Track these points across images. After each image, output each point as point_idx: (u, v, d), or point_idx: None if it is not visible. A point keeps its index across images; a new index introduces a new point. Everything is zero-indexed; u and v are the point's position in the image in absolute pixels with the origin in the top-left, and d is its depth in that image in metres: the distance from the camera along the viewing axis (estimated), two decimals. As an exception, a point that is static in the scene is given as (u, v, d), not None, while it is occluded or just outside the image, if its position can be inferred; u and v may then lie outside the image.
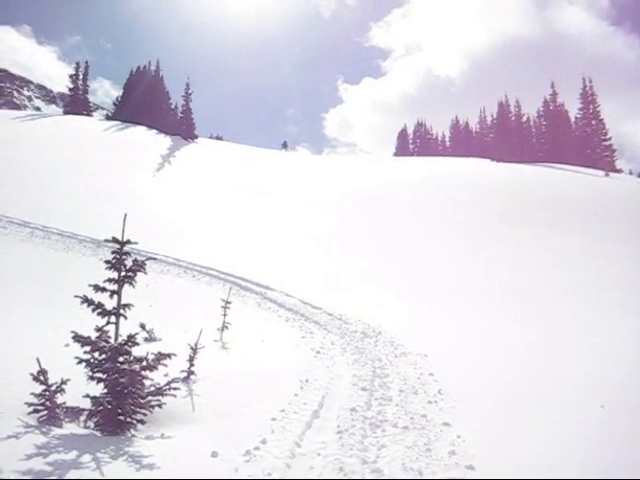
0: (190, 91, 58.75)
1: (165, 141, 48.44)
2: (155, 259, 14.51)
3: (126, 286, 5.67)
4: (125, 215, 5.79)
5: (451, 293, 14.77)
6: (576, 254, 20.59)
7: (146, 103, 58.29)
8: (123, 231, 5.73)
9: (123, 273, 5.65)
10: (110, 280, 5.65)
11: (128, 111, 58.49)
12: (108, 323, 5.53)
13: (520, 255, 20.14)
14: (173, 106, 61.35)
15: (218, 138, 72.12)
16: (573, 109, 62.88)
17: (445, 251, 19.94)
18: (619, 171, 56.71)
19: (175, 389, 5.79)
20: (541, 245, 21.72)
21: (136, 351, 5.59)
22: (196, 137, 55.62)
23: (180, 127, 54.85)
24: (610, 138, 60.12)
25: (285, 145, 53.16)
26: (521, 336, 11.36)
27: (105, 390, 5.25)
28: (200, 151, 47.34)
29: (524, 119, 62.89)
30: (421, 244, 20.79)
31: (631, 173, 62.85)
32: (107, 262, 5.68)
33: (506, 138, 56.86)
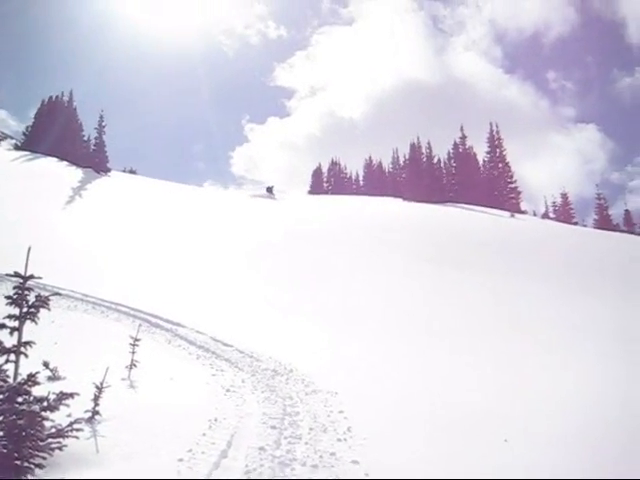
0: (104, 124, 57.65)
1: (77, 173, 47.06)
2: (61, 294, 14.05)
3: (28, 323, 5.49)
4: (29, 248, 5.61)
5: (363, 328, 14.99)
6: (485, 291, 21.49)
7: (58, 134, 56.60)
8: (26, 265, 5.56)
9: (25, 309, 5.47)
10: (10, 317, 5.45)
11: (39, 142, 56.53)
12: (7, 362, 5.31)
13: (433, 291, 20.79)
14: (86, 138, 59.91)
15: (131, 172, 70.78)
16: (480, 152, 66.02)
17: (361, 288, 20.29)
18: (524, 212, 59.86)
19: (78, 430, 5.59)
20: (452, 282, 22.52)
21: (37, 391, 5.38)
22: (109, 170, 54.38)
23: (93, 160, 53.50)
24: (515, 180, 63.69)
25: (270, 190, 51.98)
26: (435, 371, 11.69)
27: (1, 433, 5.01)
28: (113, 184, 46.32)
29: (435, 160, 65.48)
30: (338, 281, 21.07)
31: (535, 214, 66.24)
32: (8, 297, 5.48)
33: (418, 178, 58.98)
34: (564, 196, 66.35)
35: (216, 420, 7.55)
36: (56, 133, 56.46)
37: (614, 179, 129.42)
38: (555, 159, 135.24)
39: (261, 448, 6.64)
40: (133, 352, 9.56)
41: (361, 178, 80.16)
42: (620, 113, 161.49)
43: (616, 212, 64.43)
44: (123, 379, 9.06)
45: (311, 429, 7.69)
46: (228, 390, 9.26)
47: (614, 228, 57.52)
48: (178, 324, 13.52)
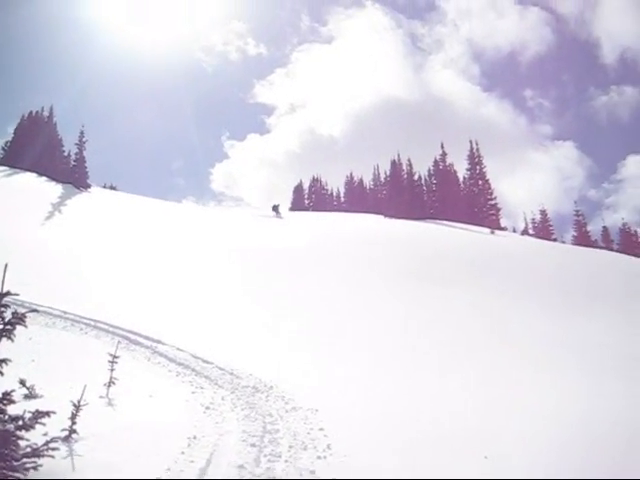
0: (84, 139, 57.35)
1: (56, 189, 46.70)
2: (39, 311, 13.89)
3: (5, 340, 5.42)
4: (6, 265, 5.56)
5: (346, 346, 14.99)
6: (469, 307, 21.64)
7: (38, 150, 56.22)
8: (3, 281, 5.50)
9: (1, 326, 5.41)
10: (-14, 334, 5.39)
11: (18, 157, 56.12)
12: (-17, 380, 5.25)
13: (416, 307, 20.89)
14: (66, 154, 59.56)
15: (112, 188, 70.46)
16: (460, 169, 66.76)
17: (344, 305, 20.31)
18: (503, 229, 60.45)
19: (54, 449, 5.51)
20: (435, 298, 22.66)
21: (13, 409, 5.31)
22: (89, 186, 54.03)
23: (73, 175, 53.13)
24: (495, 197, 64.45)
25: (276, 208, 51.34)
26: (418, 387, 11.71)
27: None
28: (93, 200, 46.08)
29: (416, 177, 66.03)
30: (320, 297, 21.08)
31: (514, 231, 66.91)
32: (-17, 315, 5.42)
33: (399, 195, 59.32)
34: (543, 213, 67.26)
35: (195, 438, 7.50)
36: (36, 148, 56.06)
37: (591, 196, 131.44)
38: (533, 176, 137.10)
39: (240, 466, 6.60)
40: (112, 369, 9.48)
41: (342, 195, 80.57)
42: (597, 131, 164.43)
43: (593, 228, 65.75)
44: (101, 397, 8.97)
45: (291, 447, 7.66)
46: (208, 407, 9.20)
47: (593, 244, 58.29)
48: (158, 341, 13.41)
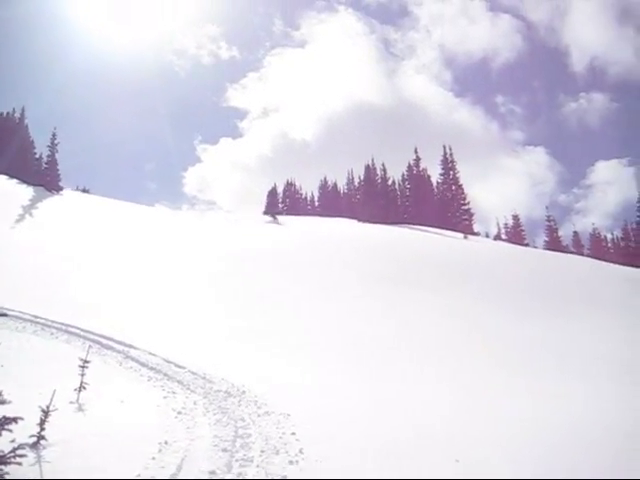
0: (56, 141, 56.53)
1: (27, 192, 45.96)
2: (8, 315, 13.71)
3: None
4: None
5: (320, 350, 15.02)
6: (440, 312, 21.79)
7: (8, 152, 55.26)
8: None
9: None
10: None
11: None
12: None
13: (390, 311, 20.98)
14: (38, 156, 58.67)
15: (84, 191, 69.55)
16: (434, 174, 67.28)
17: (318, 309, 20.34)
18: (476, 234, 60.96)
19: (21, 456, 5.45)
20: (408, 302, 22.78)
21: (-21, 416, 5.25)
22: (61, 189, 53.25)
23: (44, 178, 52.31)
24: (469, 203, 64.95)
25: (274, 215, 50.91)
26: (391, 392, 11.78)
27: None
28: (65, 203, 45.50)
29: (390, 182, 66.37)
30: (293, 302, 21.08)
31: (487, 236, 67.56)
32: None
33: (372, 200, 59.52)
34: (515, 218, 68.18)
35: (166, 443, 7.46)
36: (7, 151, 55.11)
37: (561, 201, 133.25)
38: (505, 181, 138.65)
39: (212, 472, 6.59)
40: (82, 374, 9.38)
41: (316, 199, 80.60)
42: (567, 137, 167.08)
43: (563, 233, 66.67)
44: (72, 402, 8.88)
45: (263, 451, 7.66)
46: (180, 412, 9.15)
47: (564, 249, 59.17)
48: (130, 346, 13.30)
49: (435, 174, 67.75)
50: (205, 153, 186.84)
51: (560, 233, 65.56)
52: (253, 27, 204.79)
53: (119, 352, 12.90)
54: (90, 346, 11.78)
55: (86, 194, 62.54)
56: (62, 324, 14.49)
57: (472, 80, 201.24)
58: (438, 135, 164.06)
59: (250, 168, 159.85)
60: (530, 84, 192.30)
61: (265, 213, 60.99)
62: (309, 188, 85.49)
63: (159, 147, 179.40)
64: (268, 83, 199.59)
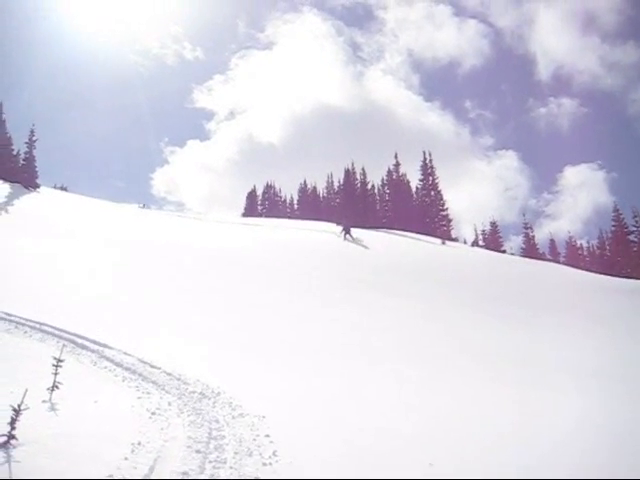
0: (34, 138, 55.95)
1: (4, 188, 45.40)
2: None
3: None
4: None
5: (296, 353, 15.03)
6: (418, 317, 21.95)
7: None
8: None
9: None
10: None
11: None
12: None
13: (367, 316, 21.04)
14: (15, 152, 57.95)
15: (63, 189, 68.91)
16: (413, 179, 67.86)
17: (293, 312, 20.37)
18: (455, 239, 61.63)
19: (-9, 455, 5.41)
20: (385, 307, 22.89)
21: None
22: (38, 186, 52.68)
23: (21, 175, 51.76)
24: (447, 208, 65.74)
25: None
26: (367, 396, 11.83)
27: None
28: (42, 200, 45.02)
29: (369, 186, 66.81)
30: (269, 304, 21.04)
31: (465, 242, 68.26)
32: None
33: (352, 204, 59.83)
34: (493, 224, 69.13)
35: (139, 444, 7.43)
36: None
37: (531, 205, 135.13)
38: (476, 185, 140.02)
39: (184, 472, 6.58)
40: (56, 373, 9.29)
41: (295, 202, 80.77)
42: (537, 142, 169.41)
43: (535, 237, 67.75)
44: (44, 401, 8.79)
45: (236, 453, 7.67)
46: (153, 413, 9.11)
47: (540, 257, 60.03)
48: (105, 345, 13.18)
49: (414, 180, 68.39)
50: (173, 155, 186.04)
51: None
52: (217, 29, 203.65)
53: (93, 352, 12.78)
54: (64, 345, 11.66)
55: (64, 192, 62.03)
56: (36, 322, 14.31)
57: (441, 84, 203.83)
58: (408, 139, 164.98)
59: (217, 170, 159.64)
60: (499, 89, 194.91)
61: (244, 215, 60.90)
62: (284, 191, 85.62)
63: (127, 148, 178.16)
64: (234, 85, 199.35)
